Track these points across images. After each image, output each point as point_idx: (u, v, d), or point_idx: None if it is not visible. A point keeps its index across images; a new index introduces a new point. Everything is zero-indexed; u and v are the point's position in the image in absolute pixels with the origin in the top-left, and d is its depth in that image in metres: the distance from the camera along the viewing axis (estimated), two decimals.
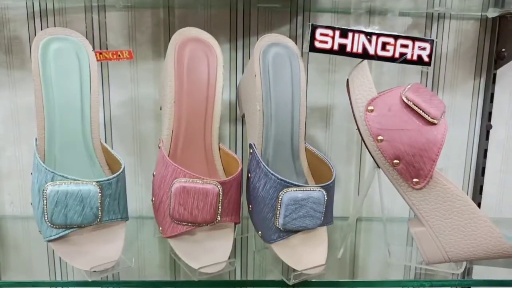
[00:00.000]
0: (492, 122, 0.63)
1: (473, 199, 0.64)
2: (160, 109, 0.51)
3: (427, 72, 0.63)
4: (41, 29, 0.59)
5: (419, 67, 0.62)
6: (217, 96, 0.48)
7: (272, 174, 0.42)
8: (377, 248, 0.58)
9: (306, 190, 0.42)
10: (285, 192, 0.41)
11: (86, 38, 0.48)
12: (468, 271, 0.51)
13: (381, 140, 0.44)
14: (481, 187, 0.64)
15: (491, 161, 0.65)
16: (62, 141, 0.45)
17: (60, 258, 0.56)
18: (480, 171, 0.64)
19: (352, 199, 0.65)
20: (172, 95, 0.46)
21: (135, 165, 0.62)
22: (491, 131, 0.64)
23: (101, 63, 0.58)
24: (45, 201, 0.40)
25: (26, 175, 0.63)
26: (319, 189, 0.42)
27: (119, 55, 0.48)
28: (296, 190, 0.41)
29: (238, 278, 0.52)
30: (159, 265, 0.55)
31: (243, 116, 0.52)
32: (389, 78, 0.62)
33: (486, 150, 0.64)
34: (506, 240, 0.44)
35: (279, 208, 0.41)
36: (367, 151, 0.63)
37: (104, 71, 0.60)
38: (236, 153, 0.62)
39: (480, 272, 0.52)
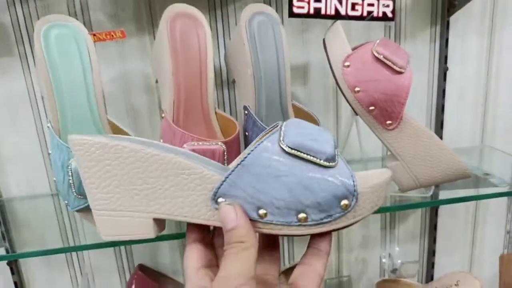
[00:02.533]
0: (448, 65, 0.72)
1: (436, 133, 0.73)
2: (156, 82, 0.56)
3: (390, 26, 0.70)
4: (23, 14, 0.60)
5: (384, 22, 0.69)
6: (209, 65, 0.52)
7: None
8: None
9: None
10: None
11: None
12: (436, 196, 0.61)
13: (358, 91, 0.51)
14: (442, 122, 0.74)
15: (449, 99, 0.73)
16: (73, 120, 0.49)
17: (71, 227, 0.61)
18: (440, 109, 0.73)
19: None
20: (170, 67, 0.50)
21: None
22: (447, 73, 0.72)
23: None
24: (70, 175, 0.44)
25: (28, 158, 0.66)
26: None
27: (112, 35, 0.51)
28: None
29: None
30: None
31: (233, 82, 0.57)
32: (357, 34, 0.69)
33: (444, 90, 0.73)
34: (465, 164, 0.53)
35: None
36: (342, 103, 0.71)
37: None
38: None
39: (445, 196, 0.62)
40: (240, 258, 0.29)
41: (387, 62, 0.50)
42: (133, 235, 0.32)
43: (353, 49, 0.52)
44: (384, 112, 0.51)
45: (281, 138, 0.30)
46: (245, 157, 0.30)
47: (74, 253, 0.73)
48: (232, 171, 0.30)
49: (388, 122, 0.52)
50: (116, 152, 0.31)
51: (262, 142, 0.30)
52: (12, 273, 0.70)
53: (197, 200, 0.31)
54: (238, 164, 0.30)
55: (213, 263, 0.33)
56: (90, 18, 0.61)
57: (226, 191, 0.30)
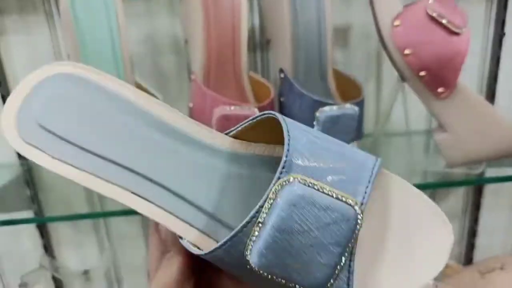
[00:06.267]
0: (505, 30, 0.64)
1: None
2: (185, 42, 0.52)
3: None
4: None
5: None
6: (243, 22, 0.48)
7: (307, 95, 0.44)
8: (397, 160, 0.62)
9: (339, 108, 0.44)
10: (321, 111, 0.44)
11: None
12: (481, 173, 0.56)
13: (408, 54, 0.45)
14: (494, 93, 0.67)
15: (503, 68, 0.66)
16: None
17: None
18: (493, 78, 0.66)
19: (373, 116, 0.68)
20: (201, 24, 0.46)
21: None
22: (504, 39, 0.65)
23: None
24: None
25: None
26: (351, 106, 0.45)
27: None
28: (332, 109, 0.44)
29: None
30: None
31: (268, 42, 0.52)
32: None
33: (498, 58, 0.66)
34: None
35: (316, 126, 0.44)
36: (384, 69, 0.65)
37: None
38: None
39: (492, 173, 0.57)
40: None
41: (443, 21, 0.44)
42: None
43: (404, 7, 0.46)
44: (436, 78, 0.46)
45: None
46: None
47: (101, 218, 0.72)
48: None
49: (440, 89, 0.46)
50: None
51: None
52: (42, 236, 0.70)
53: None
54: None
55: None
56: None
57: None
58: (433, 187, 0.68)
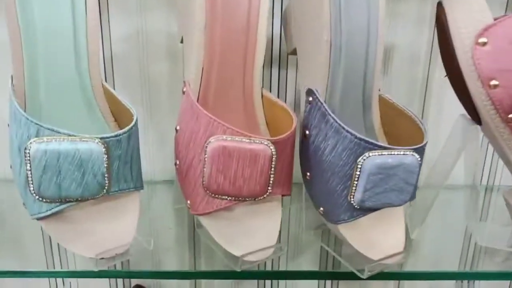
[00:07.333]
0: None
1: None
2: (181, 41, 0.38)
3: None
4: None
5: None
6: (261, 23, 0.35)
7: (348, 132, 0.30)
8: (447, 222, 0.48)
9: (396, 154, 0.30)
10: (367, 157, 0.29)
11: None
12: None
13: (495, 86, 0.32)
14: None
15: None
16: (49, 81, 0.33)
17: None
18: None
19: None
20: (203, 18, 0.33)
21: (144, 117, 0.50)
22: None
23: None
24: (29, 164, 0.28)
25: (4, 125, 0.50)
26: (412, 153, 0.30)
27: None
28: (383, 154, 0.30)
29: (280, 267, 0.42)
30: (176, 242, 0.45)
31: (291, 53, 0.39)
32: None
33: None
34: None
35: (356, 179, 0.30)
36: (431, 104, 0.52)
37: None
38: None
39: None
40: None
41: None
42: None
43: (495, 19, 0.33)
44: None
45: None
46: None
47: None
48: None
49: None
50: None
51: None
52: None
53: None
54: None
55: None
56: None
57: None
58: (480, 278, 0.53)
